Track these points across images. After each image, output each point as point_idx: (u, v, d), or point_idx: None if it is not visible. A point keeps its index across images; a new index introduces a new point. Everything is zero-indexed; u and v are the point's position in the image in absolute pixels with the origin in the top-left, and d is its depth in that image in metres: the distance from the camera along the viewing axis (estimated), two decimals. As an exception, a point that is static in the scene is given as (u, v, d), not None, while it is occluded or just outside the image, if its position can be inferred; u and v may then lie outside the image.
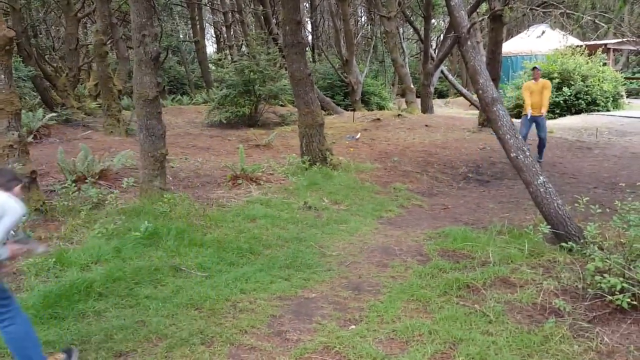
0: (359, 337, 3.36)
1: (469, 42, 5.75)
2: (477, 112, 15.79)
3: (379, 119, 14.82)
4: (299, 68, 8.89)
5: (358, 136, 12.67)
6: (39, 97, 14.25)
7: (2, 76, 5.95)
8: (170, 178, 7.53)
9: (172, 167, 8.76)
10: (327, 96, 19.27)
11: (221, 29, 31.72)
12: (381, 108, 20.52)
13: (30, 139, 9.56)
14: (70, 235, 5.41)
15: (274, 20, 20.16)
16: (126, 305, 3.84)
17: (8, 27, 5.91)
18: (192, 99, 22.81)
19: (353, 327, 3.56)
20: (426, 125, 14.02)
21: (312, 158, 9.00)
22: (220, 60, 28.22)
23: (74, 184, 6.59)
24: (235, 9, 24.71)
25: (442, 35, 27.42)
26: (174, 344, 3.25)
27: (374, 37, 29.70)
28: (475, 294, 3.99)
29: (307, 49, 18.09)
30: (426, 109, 19.12)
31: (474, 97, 16.83)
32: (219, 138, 13.11)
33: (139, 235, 5.14)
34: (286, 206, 6.97)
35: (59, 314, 3.65)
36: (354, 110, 17.80)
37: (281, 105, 17.66)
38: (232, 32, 29.71)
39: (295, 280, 4.48)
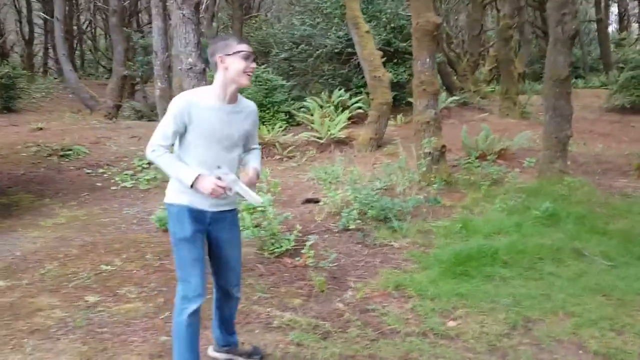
0: None
1: None
2: None
3: None
4: None
5: None
6: (441, 80, 15.76)
7: (428, 59, 6.84)
8: (569, 162, 7.28)
9: (570, 150, 8.44)
10: None
11: (626, 5, 27.77)
12: None
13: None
14: (471, 207, 5.94)
15: None
16: (530, 277, 3.99)
17: (436, 15, 6.75)
18: (588, 82, 21.01)
19: None
20: None
21: None
22: (623, 39, 24.95)
23: (476, 160, 7.16)
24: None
25: None
26: (581, 323, 3.23)
27: None
28: None
29: None
30: None
31: None
32: (620, 124, 11.90)
33: (538, 214, 5.24)
34: None
35: (468, 272, 4.08)
36: None
37: None
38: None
39: None
